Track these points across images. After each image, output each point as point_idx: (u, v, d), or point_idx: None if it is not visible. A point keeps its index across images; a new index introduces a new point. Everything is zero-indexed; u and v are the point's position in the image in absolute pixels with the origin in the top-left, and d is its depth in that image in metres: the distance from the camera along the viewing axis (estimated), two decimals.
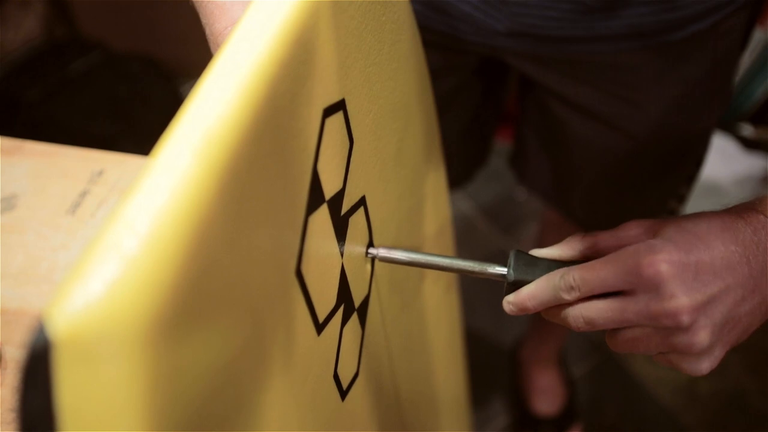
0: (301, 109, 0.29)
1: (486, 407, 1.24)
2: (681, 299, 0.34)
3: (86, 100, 1.44)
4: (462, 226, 1.49)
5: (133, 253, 0.19)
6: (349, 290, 0.39)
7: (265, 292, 0.28)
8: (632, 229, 0.39)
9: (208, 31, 0.37)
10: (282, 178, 0.28)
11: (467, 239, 1.47)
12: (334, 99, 0.33)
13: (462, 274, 0.42)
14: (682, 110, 0.64)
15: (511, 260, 0.40)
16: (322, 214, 0.34)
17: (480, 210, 1.52)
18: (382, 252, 0.43)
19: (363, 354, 0.44)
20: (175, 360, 0.21)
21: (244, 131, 0.24)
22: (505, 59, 0.64)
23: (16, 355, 0.46)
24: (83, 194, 0.55)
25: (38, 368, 0.18)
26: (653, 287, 0.34)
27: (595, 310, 0.36)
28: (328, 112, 0.33)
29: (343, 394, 0.41)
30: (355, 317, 0.41)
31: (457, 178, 0.87)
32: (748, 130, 1.48)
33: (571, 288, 0.37)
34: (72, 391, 0.19)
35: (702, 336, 0.34)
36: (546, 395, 1.19)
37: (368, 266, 0.43)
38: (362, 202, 0.40)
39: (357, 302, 0.41)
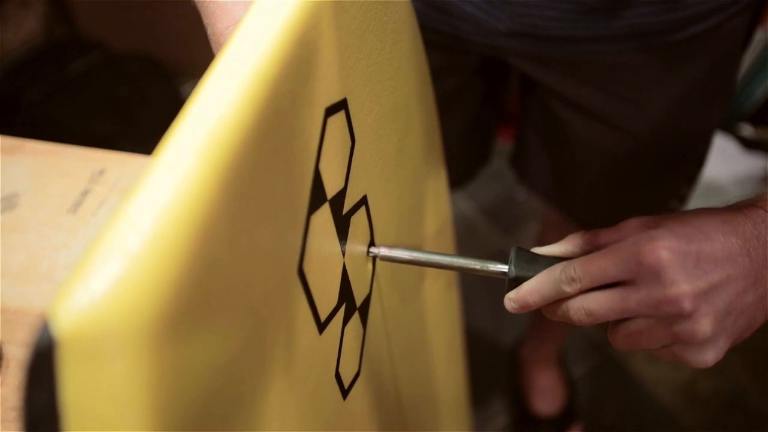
0: (303, 108, 0.29)
1: (486, 407, 1.24)
2: (682, 285, 0.33)
3: (86, 100, 1.44)
4: (462, 226, 1.49)
5: (137, 251, 0.19)
6: (350, 289, 0.39)
7: (267, 291, 0.28)
8: (632, 225, 0.39)
9: (209, 31, 0.37)
10: (284, 177, 0.28)
11: (468, 239, 1.47)
12: (335, 98, 0.33)
13: (463, 272, 0.42)
14: (683, 110, 0.64)
15: (512, 257, 0.40)
16: (324, 213, 0.34)
17: (480, 210, 1.52)
18: (384, 251, 0.43)
19: (364, 353, 0.44)
20: (178, 358, 0.21)
21: (246, 131, 0.24)
22: (507, 59, 0.65)
23: (17, 353, 0.46)
24: (84, 193, 0.55)
25: (42, 366, 0.19)
26: (654, 274, 0.34)
27: (596, 301, 0.36)
28: (330, 111, 0.33)
29: (345, 393, 0.41)
30: (356, 316, 0.41)
31: (458, 178, 0.87)
32: (747, 130, 1.48)
33: (572, 279, 0.37)
34: (76, 389, 0.19)
35: (704, 324, 0.34)
36: (546, 395, 1.19)
37: (369, 265, 0.43)
38: (364, 201, 0.40)
39: (358, 301, 0.41)
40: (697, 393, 1.22)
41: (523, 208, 1.52)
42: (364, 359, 0.44)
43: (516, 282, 0.40)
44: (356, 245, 0.40)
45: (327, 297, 0.35)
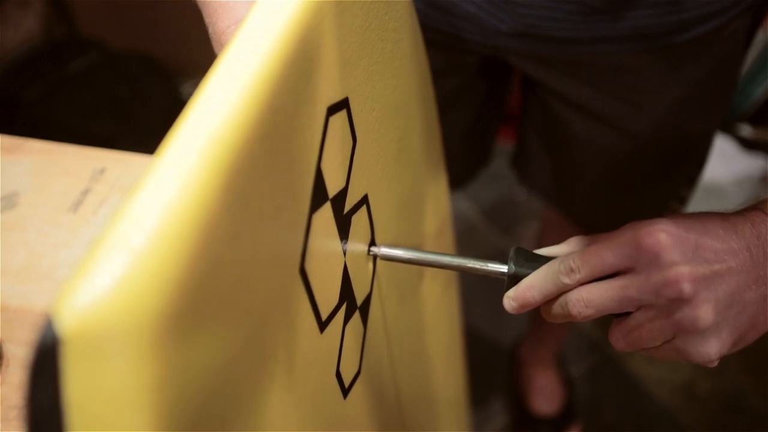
0: (305, 107, 0.29)
1: (485, 407, 1.24)
2: (681, 267, 0.33)
3: (85, 100, 1.44)
4: (462, 226, 1.49)
5: (141, 248, 0.19)
6: (351, 288, 0.39)
7: (268, 290, 0.28)
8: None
9: (211, 30, 0.37)
10: (286, 176, 0.28)
11: (467, 240, 1.47)
12: (337, 97, 0.33)
13: (462, 271, 0.42)
14: (684, 111, 0.64)
15: (512, 257, 0.40)
16: (326, 212, 0.34)
17: (480, 211, 1.53)
18: (384, 250, 0.43)
19: (364, 352, 0.44)
20: (180, 356, 0.21)
21: (248, 130, 0.24)
22: (508, 59, 0.65)
23: (17, 352, 0.46)
24: (85, 192, 0.55)
25: (46, 363, 0.19)
26: (653, 257, 0.34)
27: (596, 291, 0.36)
28: (332, 110, 0.33)
29: (345, 392, 0.41)
30: (357, 315, 0.41)
31: (458, 178, 0.87)
32: (747, 130, 1.48)
33: (571, 270, 0.36)
34: (80, 386, 0.19)
35: (705, 309, 0.33)
36: (545, 395, 1.19)
37: (370, 264, 0.43)
38: (365, 200, 0.40)
39: (359, 300, 0.41)
40: (696, 393, 1.22)
41: (522, 209, 1.53)
42: (364, 358, 0.44)
43: (515, 281, 0.39)
44: (357, 244, 0.40)
45: (328, 296, 0.36)
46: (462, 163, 0.85)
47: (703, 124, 0.68)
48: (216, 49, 0.37)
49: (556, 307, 0.38)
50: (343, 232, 0.37)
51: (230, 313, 0.24)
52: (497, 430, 1.21)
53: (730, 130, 1.49)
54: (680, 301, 0.34)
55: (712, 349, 0.35)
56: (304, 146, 0.30)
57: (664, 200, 0.77)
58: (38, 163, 0.57)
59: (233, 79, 0.25)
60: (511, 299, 0.39)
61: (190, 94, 0.25)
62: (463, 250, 1.37)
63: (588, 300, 0.36)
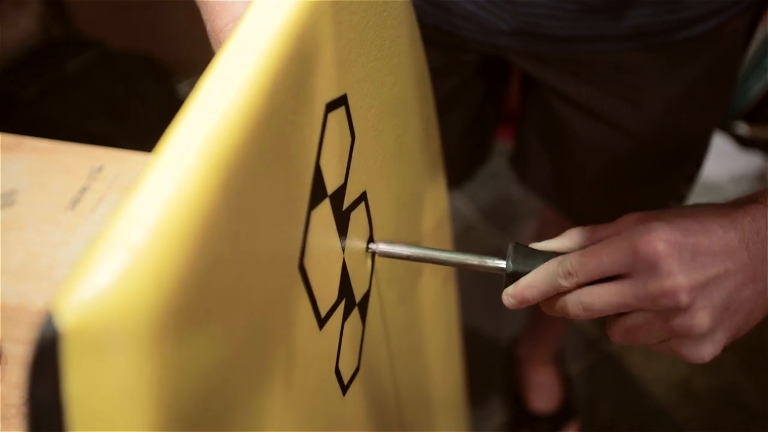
0: (303, 104, 0.29)
1: (483, 405, 1.24)
2: (679, 277, 0.33)
3: (83, 99, 1.43)
4: (460, 225, 1.49)
5: (140, 245, 0.20)
6: (350, 285, 0.39)
7: (268, 287, 0.28)
8: (630, 220, 0.39)
9: (209, 28, 0.37)
10: (285, 173, 0.28)
11: (465, 239, 1.47)
12: (336, 94, 0.33)
13: (461, 267, 0.42)
14: (683, 110, 0.64)
15: (510, 252, 0.40)
16: (325, 208, 0.34)
17: (478, 210, 1.53)
18: (382, 247, 0.43)
19: (363, 349, 0.44)
20: (180, 352, 0.21)
21: (247, 127, 0.24)
22: (508, 58, 0.65)
23: (15, 351, 0.46)
24: (83, 190, 0.55)
25: (46, 359, 0.19)
26: (650, 266, 0.34)
27: (594, 295, 0.36)
28: (331, 107, 0.33)
29: (344, 389, 0.41)
30: (356, 312, 0.41)
31: (457, 178, 0.87)
32: (743, 128, 1.49)
33: (569, 273, 0.36)
34: (80, 382, 0.19)
35: (701, 317, 0.34)
36: (543, 393, 1.19)
37: (368, 261, 0.43)
38: (363, 197, 0.40)
39: (358, 297, 0.41)
40: (692, 390, 1.23)
41: (521, 208, 1.53)
42: (363, 355, 0.44)
43: (514, 277, 0.40)
44: (356, 241, 0.40)
45: (327, 292, 0.36)
46: (461, 162, 0.85)
47: (702, 122, 0.69)
48: (214, 46, 0.37)
49: (555, 305, 0.38)
50: (342, 229, 0.37)
51: (229, 310, 0.24)
52: (495, 427, 1.22)
53: (726, 128, 1.49)
54: (677, 309, 0.34)
55: (705, 352, 0.35)
56: (303, 143, 0.30)
57: (663, 199, 0.77)
58: (36, 162, 0.57)
59: (231, 77, 0.25)
60: (509, 296, 0.40)
61: (187, 94, 0.25)
62: (461, 249, 1.36)
63: (586, 304, 0.36)
